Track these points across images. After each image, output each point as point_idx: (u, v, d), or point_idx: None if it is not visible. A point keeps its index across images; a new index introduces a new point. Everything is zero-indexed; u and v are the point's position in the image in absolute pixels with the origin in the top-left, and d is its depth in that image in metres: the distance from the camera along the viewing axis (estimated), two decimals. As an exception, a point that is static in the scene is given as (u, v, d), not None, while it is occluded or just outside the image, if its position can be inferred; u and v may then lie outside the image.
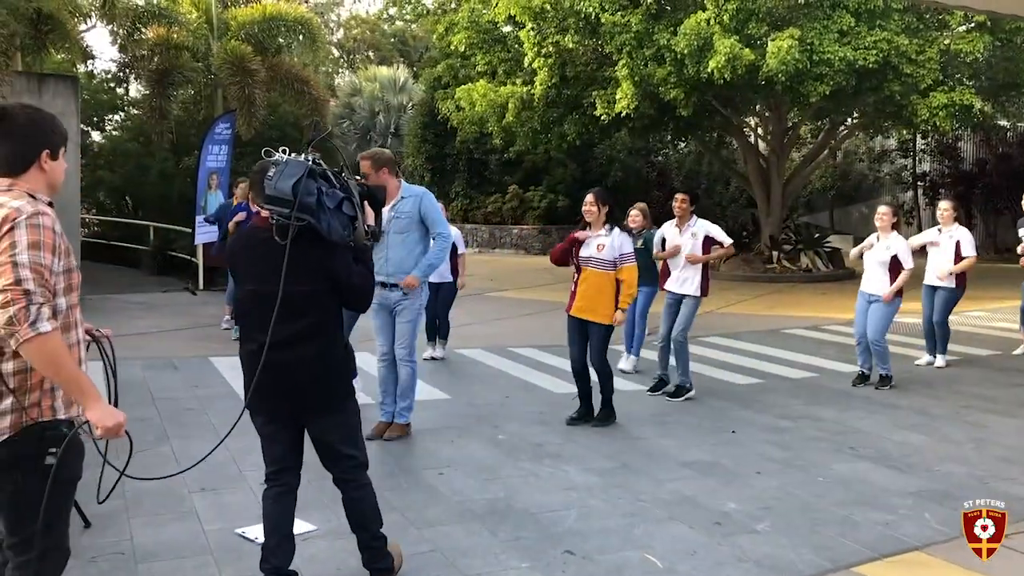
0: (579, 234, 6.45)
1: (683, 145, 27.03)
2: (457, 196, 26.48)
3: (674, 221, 7.62)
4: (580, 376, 6.50)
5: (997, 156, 21.75)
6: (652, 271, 7.99)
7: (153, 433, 6.03)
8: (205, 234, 14.59)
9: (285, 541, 3.56)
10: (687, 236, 7.46)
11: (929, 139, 22.85)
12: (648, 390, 7.58)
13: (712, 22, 13.65)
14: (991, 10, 9.84)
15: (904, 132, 20.96)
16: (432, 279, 7.06)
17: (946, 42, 14.28)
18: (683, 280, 7.41)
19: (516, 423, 6.55)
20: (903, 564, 4.12)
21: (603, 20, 14.58)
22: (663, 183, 30.00)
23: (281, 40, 17.39)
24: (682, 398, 7.30)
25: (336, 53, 47.60)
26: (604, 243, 6.30)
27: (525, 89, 16.93)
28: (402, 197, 5.72)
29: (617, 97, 15.08)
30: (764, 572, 3.97)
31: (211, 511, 4.60)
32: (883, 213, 7.85)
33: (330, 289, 3.41)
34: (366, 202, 3.51)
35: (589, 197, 6.44)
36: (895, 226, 7.82)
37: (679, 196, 7.65)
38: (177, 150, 18.08)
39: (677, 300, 7.46)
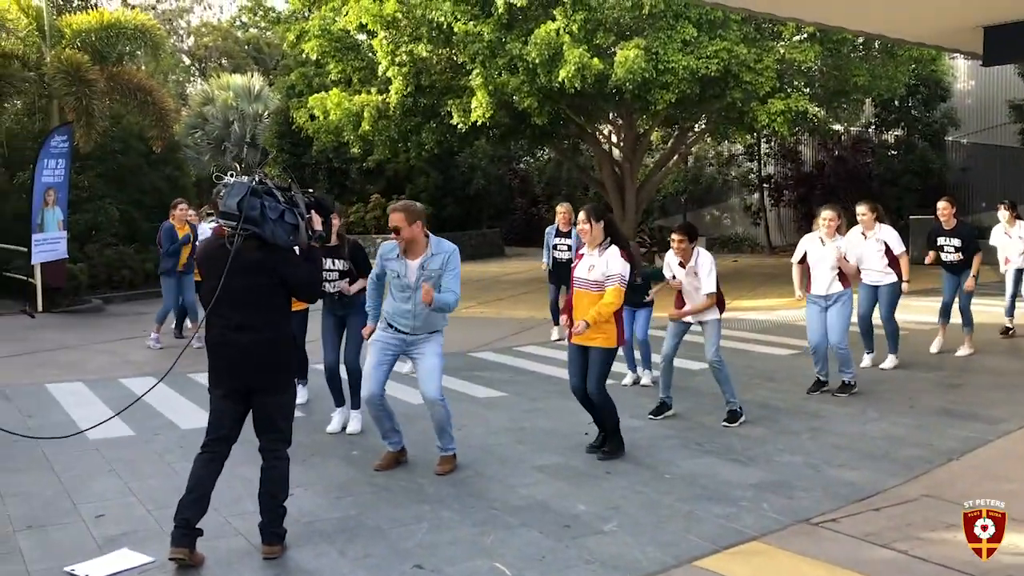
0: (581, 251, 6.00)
1: (542, 152, 27.45)
2: (317, 206, 25.97)
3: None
4: (586, 402, 5.97)
5: (834, 159, 23.09)
6: (641, 291, 7.71)
7: (-23, 469, 5.63)
8: (43, 253, 13.81)
9: (202, 499, 4.10)
10: (690, 272, 6.82)
11: (772, 143, 24.04)
12: (649, 414, 6.99)
13: (562, 32, 13.91)
14: (819, 22, 10.44)
15: (748, 137, 21.96)
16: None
17: (781, 51, 15.05)
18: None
19: (372, 438, 6.45)
20: (741, 555, 4.29)
21: (456, 29, 14.62)
22: (525, 190, 30.48)
23: (123, 48, 16.63)
24: (738, 423, 6.72)
25: (187, 61, 45.96)
26: (595, 264, 5.80)
27: (380, 98, 16.78)
28: (433, 254, 5.40)
29: (473, 106, 15.15)
30: (610, 572, 4.06)
31: (38, 550, 4.32)
32: (828, 218, 7.57)
33: (277, 284, 4.14)
34: (313, 211, 4.26)
35: (581, 215, 5.86)
36: (839, 229, 7.63)
37: (675, 236, 6.83)
38: (10, 164, 16.98)
39: (685, 327, 7.03)
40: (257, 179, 4.08)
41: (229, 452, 4.27)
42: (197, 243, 10.05)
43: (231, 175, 4.09)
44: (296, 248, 4.22)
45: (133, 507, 4.99)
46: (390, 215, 5.41)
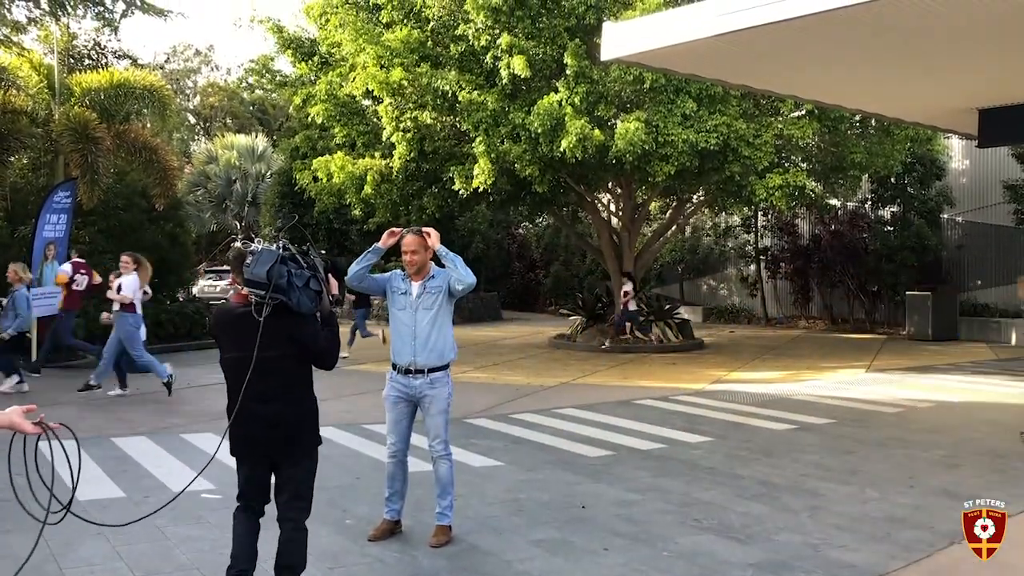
0: None
1: (541, 219, 27.69)
2: (316, 267, 26.12)
3: None
4: None
5: (830, 233, 23.23)
6: None
7: (-37, 529, 5.53)
8: (40, 307, 13.76)
9: (249, 549, 4.28)
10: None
11: (769, 216, 24.24)
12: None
13: (564, 104, 14.16)
14: (817, 100, 10.64)
15: (746, 210, 22.18)
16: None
17: (780, 127, 15.29)
18: None
19: (366, 506, 6.37)
20: (741, 638, 4.20)
21: (460, 98, 14.88)
22: (523, 255, 30.67)
23: (130, 107, 16.87)
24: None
25: (192, 120, 46.60)
26: None
27: (384, 162, 16.99)
28: (433, 275, 5.62)
29: (475, 172, 15.33)
30: (607, 654, 3.97)
31: (22, 617, 4.21)
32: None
33: (298, 353, 4.14)
34: (330, 274, 4.31)
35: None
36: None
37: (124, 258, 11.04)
38: (12, 218, 17.07)
39: None
40: (282, 245, 4.10)
41: (264, 508, 4.34)
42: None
43: (258, 242, 4.14)
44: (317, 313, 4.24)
45: (121, 572, 4.89)
46: (408, 238, 5.59)
